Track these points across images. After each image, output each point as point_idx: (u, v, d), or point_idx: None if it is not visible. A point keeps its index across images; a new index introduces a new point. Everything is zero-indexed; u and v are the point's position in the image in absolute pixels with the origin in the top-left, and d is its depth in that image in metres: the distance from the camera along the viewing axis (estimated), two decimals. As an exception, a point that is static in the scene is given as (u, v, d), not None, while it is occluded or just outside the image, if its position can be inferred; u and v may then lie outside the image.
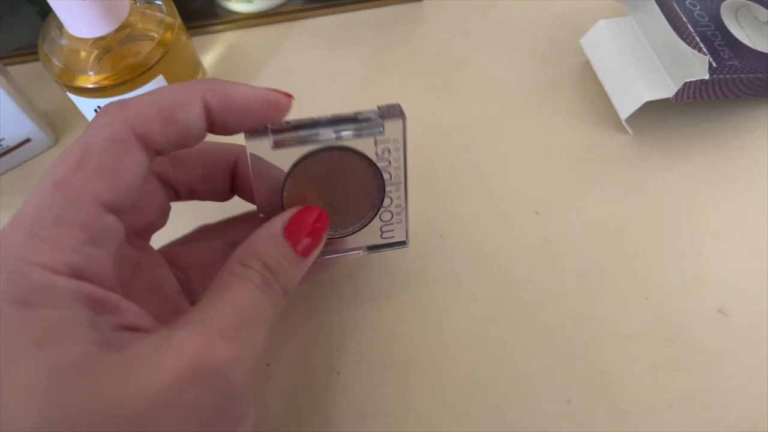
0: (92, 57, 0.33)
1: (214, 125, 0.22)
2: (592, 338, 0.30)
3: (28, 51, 0.42)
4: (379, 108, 0.25)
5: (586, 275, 0.32)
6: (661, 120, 0.36)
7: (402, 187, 0.27)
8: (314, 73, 0.41)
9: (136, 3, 0.33)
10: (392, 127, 0.25)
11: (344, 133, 0.25)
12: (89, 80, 0.33)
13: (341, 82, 0.40)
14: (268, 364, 0.32)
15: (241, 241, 0.23)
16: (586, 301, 0.31)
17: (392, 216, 0.28)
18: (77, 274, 0.19)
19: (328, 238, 0.26)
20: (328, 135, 0.24)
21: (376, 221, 0.27)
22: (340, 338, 0.32)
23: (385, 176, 0.26)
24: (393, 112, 0.25)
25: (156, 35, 0.33)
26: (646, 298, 0.32)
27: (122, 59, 0.33)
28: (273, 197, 0.25)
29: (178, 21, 0.34)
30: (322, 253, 0.27)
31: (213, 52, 0.42)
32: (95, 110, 0.34)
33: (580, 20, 0.40)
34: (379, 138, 0.25)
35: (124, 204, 0.21)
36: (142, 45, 0.33)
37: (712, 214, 0.34)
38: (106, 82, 0.32)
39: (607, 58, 0.36)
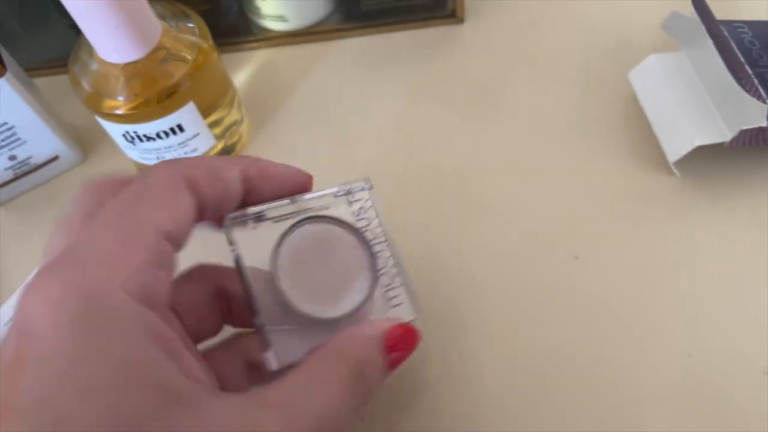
0: (121, 81, 0.32)
1: (250, 192, 0.24)
2: (630, 396, 0.29)
3: (59, 63, 0.41)
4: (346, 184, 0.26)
5: (625, 325, 0.31)
6: (712, 163, 0.34)
7: (389, 243, 0.26)
8: (348, 95, 0.40)
9: (168, 25, 0.32)
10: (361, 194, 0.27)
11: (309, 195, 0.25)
12: (118, 105, 0.32)
13: (374, 105, 0.39)
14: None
15: (232, 287, 0.25)
16: (624, 354, 0.30)
17: (391, 281, 0.26)
18: (146, 296, 0.19)
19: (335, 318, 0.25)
20: (299, 199, 0.25)
21: (378, 290, 0.26)
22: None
23: (368, 235, 0.26)
24: (359, 186, 0.27)
25: (189, 57, 0.32)
26: (689, 355, 0.30)
27: (153, 83, 0.32)
28: (268, 294, 0.24)
29: (210, 42, 0.33)
30: None
31: (245, 71, 0.41)
32: (123, 135, 0.33)
33: (627, 52, 0.38)
34: (351, 198, 0.26)
35: (179, 238, 0.21)
36: (175, 67, 0.32)
37: (761, 268, 0.32)
38: (134, 110, 0.32)
39: (656, 95, 0.34)
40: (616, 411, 0.29)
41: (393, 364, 0.24)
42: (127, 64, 0.31)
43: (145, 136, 0.33)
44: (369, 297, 0.25)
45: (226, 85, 0.35)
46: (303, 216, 0.25)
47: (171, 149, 0.34)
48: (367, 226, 0.26)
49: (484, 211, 0.35)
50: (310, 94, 0.40)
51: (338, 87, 0.40)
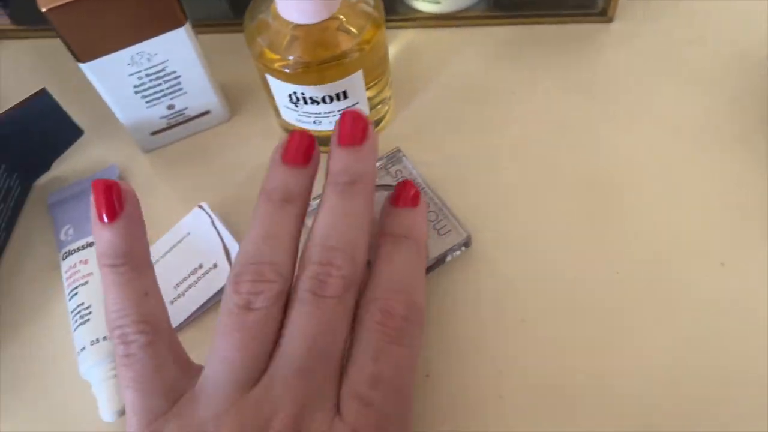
0: (295, 42, 0.32)
1: None
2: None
3: (209, 23, 0.42)
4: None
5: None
6: None
7: (428, 189, 0.34)
8: (492, 83, 0.40)
9: (347, -5, 0.33)
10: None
11: None
12: (288, 64, 0.32)
13: (519, 95, 0.39)
14: (427, 375, 0.31)
15: None
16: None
17: (437, 216, 0.33)
18: None
19: None
20: None
21: (430, 229, 0.33)
22: (504, 362, 0.31)
23: None
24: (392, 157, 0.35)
25: (357, 30, 0.33)
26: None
27: (321, 48, 0.32)
28: None
29: (383, 18, 0.33)
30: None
31: (390, 49, 0.42)
32: (290, 95, 0.34)
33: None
34: (390, 167, 0.35)
35: None
36: (343, 37, 0.32)
37: None
38: (301, 72, 0.32)
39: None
40: (769, 423, 0.28)
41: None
42: (302, 26, 0.32)
43: (310, 98, 0.33)
44: None
45: (386, 62, 0.36)
46: None
47: (330, 115, 0.34)
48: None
49: (625, 211, 0.34)
50: (453, 78, 0.40)
51: (482, 74, 0.40)
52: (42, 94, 0.35)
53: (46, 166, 0.38)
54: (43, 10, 0.29)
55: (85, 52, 0.32)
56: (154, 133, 0.38)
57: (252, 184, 0.36)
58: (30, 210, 0.38)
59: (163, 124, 0.38)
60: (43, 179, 0.39)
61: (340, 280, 0.25)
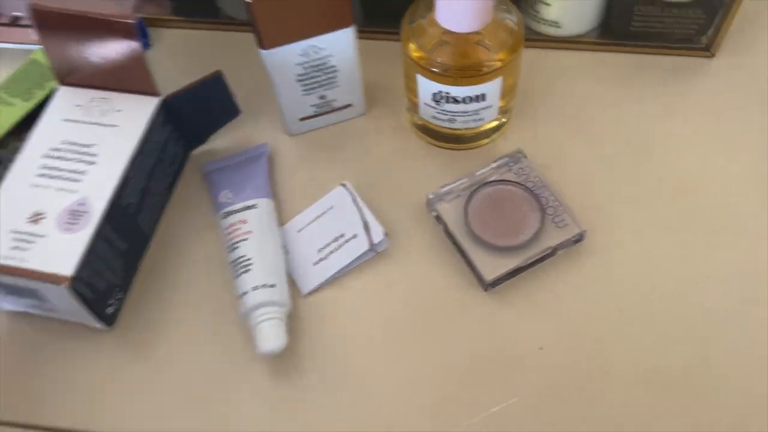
0: (442, 46, 0.37)
1: None
2: None
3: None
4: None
5: None
6: None
7: (547, 186, 0.39)
8: (601, 100, 0.44)
9: (496, 15, 0.37)
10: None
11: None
12: (437, 66, 0.37)
13: (625, 113, 0.44)
14: (541, 348, 0.35)
15: None
16: None
17: (555, 211, 0.38)
18: None
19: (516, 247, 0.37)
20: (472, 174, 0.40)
21: (548, 220, 0.38)
22: (607, 343, 0.35)
23: (530, 185, 0.39)
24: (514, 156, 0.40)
25: (497, 46, 0.37)
26: None
27: (462, 56, 0.37)
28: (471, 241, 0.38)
29: (522, 38, 0.38)
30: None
31: (509, 64, 0.47)
32: (435, 93, 0.38)
33: None
34: (512, 165, 0.40)
35: None
36: (481, 51, 0.37)
37: None
38: (447, 75, 0.37)
39: None
40: None
41: None
42: (451, 33, 0.37)
43: (453, 98, 0.38)
44: (541, 227, 0.37)
45: (518, 73, 0.41)
46: (477, 185, 0.39)
47: (466, 114, 0.39)
48: (527, 179, 0.39)
49: (720, 222, 0.39)
50: (567, 93, 0.45)
51: (593, 92, 0.45)
52: (216, 75, 0.40)
53: (203, 139, 0.44)
54: (248, 0, 0.35)
55: (269, 41, 0.37)
56: (302, 119, 0.43)
57: (384, 170, 0.42)
58: (184, 176, 0.43)
59: (312, 111, 0.43)
60: (197, 151, 0.44)
61: None
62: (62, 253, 0.33)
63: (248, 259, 0.37)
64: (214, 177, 0.42)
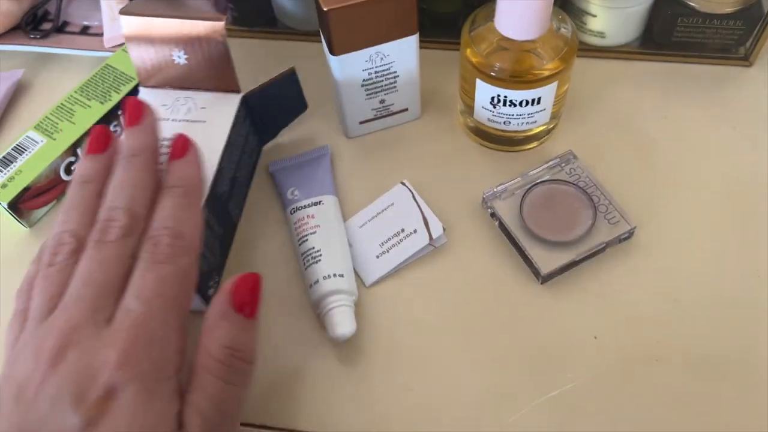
0: (499, 52, 0.40)
1: None
2: None
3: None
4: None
5: None
6: None
7: (598, 186, 0.41)
8: (643, 106, 0.47)
9: (552, 25, 0.40)
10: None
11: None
12: (495, 70, 0.40)
13: (669, 119, 0.46)
14: (595, 337, 0.37)
15: None
16: None
17: (606, 209, 0.40)
18: None
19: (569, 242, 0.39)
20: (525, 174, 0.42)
21: (599, 218, 0.40)
22: (660, 334, 0.37)
23: (581, 184, 0.41)
24: (565, 157, 0.43)
25: (549, 55, 0.40)
26: None
27: (516, 63, 0.40)
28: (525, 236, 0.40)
29: (576, 49, 0.40)
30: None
31: (556, 72, 0.49)
32: (493, 96, 0.41)
33: None
34: (563, 165, 0.42)
35: None
36: (533, 59, 0.40)
37: None
38: (503, 79, 0.40)
39: None
40: None
41: (252, 312, 0.30)
42: (508, 40, 0.39)
43: (510, 101, 0.41)
44: (593, 224, 0.40)
45: (568, 81, 0.43)
46: (531, 183, 0.42)
47: (521, 117, 0.42)
48: (578, 179, 0.42)
49: (765, 221, 0.40)
50: (611, 98, 0.47)
51: (636, 98, 0.47)
52: (290, 72, 0.42)
53: (275, 134, 0.46)
54: (325, 9, 0.37)
55: (340, 47, 0.40)
56: (362, 122, 0.46)
57: (438, 170, 0.44)
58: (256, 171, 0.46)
59: (371, 114, 0.45)
60: (267, 146, 0.47)
61: (119, 229, 0.29)
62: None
63: (317, 251, 0.39)
64: (280, 175, 0.44)
